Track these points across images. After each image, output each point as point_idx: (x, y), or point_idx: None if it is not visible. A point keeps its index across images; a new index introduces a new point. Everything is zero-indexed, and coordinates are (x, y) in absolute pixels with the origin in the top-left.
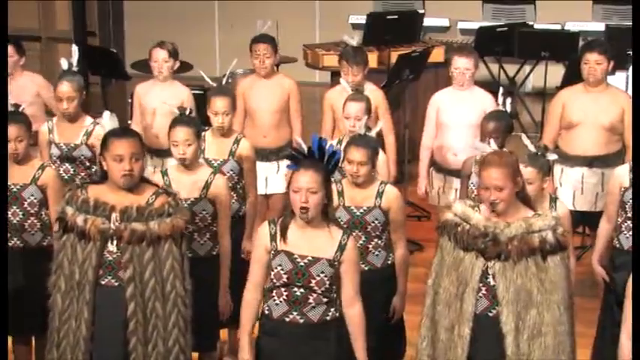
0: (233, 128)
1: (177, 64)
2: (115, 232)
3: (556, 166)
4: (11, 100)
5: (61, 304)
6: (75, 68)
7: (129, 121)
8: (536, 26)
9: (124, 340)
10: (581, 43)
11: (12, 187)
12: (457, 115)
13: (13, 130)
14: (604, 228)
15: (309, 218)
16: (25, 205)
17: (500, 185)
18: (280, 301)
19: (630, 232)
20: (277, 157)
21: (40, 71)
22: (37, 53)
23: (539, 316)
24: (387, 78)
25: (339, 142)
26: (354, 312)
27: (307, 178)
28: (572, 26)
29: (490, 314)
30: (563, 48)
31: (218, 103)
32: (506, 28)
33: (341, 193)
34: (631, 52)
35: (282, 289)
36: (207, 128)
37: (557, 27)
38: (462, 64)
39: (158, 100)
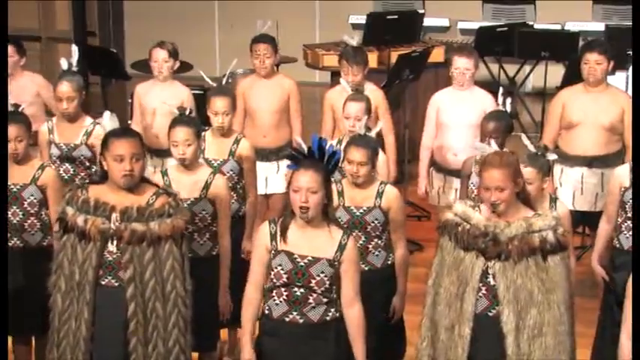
0: (233, 128)
1: (177, 64)
2: (115, 232)
3: (556, 166)
4: (11, 100)
5: (61, 304)
6: (75, 68)
7: (129, 121)
8: (536, 26)
9: (124, 341)
10: (581, 43)
11: (12, 187)
12: (457, 115)
13: (12, 130)
14: (604, 228)
15: (309, 218)
16: (25, 205)
17: (501, 186)
18: (280, 301)
19: (630, 232)
20: (277, 157)
21: (40, 71)
22: (37, 53)
23: (539, 316)
24: (387, 78)
25: (339, 142)
26: (353, 312)
27: (307, 178)
28: (572, 26)
29: (490, 314)
30: (563, 48)
31: (218, 103)
32: (506, 28)
33: (341, 193)
34: (631, 52)
35: (282, 289)
36: (207, 128)
37: (557, 27)
38: (462, 64)
39: (158, 100)
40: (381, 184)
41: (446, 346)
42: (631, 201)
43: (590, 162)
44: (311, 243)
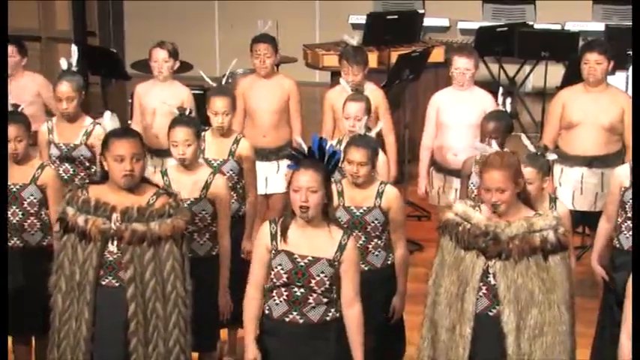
0: (233, 128)
1: (177, 64)
2: (115, 232)
3: (556, 166)
4: (12, 100)
5: (61, 304)
6: (75, 68)
7: (129, 121)
8: (536, 26)
9: (124, 341)
10: (581, 43)
11: (12, 187)
12: (457, 115)
13: (12, 130)
14: (603, 228)
15: (309, 217)
16: (25, 205)
17: (502, 187)
18: (280, 301)
19: (630, 232)
20: (277, 157)
21: (40, 71)
22: (37, 53)
23: (540, 316)
24: (387, 78)
25: (339, 142)
26: (353, 313)
27: (307, 178)
28: (572, 26)
29: (490, 314)
30: (563, 48)
31: (218, 103)
32: (506, 28)
33: (341, 193)
34: (631, 52)
35: (282, 289)
36: (207, 128)
37: (557, 27)
38: (462, 64)
39: (158, 100)
40: (381, 184)
41: (447, 346)
42: (631, 201)
43: (590, 162)
44: (311, 243)
